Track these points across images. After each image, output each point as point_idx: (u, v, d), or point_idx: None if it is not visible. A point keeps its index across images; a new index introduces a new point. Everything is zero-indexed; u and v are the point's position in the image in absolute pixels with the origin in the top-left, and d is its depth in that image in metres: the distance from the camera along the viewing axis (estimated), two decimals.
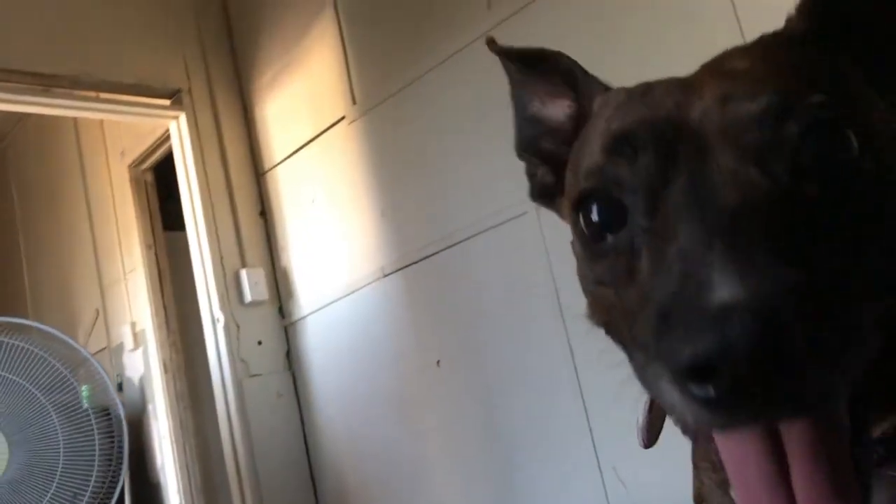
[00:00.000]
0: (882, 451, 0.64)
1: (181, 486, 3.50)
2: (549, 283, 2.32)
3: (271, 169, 3.29)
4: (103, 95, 3.17)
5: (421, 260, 2.70)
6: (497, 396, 2.48)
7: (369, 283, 2.88)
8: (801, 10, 0.65)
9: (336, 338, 3.04)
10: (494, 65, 2.58)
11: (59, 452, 3.12)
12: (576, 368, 2.26)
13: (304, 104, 3.13)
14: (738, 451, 0.53)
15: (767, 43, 0.66)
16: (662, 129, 0.59)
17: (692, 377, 0.46)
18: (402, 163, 2.78)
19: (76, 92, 3.11)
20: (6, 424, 1.76)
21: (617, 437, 2.19)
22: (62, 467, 3.09)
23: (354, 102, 2.92)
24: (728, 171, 0.54)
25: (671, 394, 0.49)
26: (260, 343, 3.15)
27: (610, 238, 0.62)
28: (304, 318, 3.16)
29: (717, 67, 0.63)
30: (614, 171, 0.61)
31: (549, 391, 2.33)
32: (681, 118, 0.59)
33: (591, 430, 2.23)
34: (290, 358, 3.22)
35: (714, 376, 0.45)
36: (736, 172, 0.54)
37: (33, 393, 2.93)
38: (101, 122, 3.88)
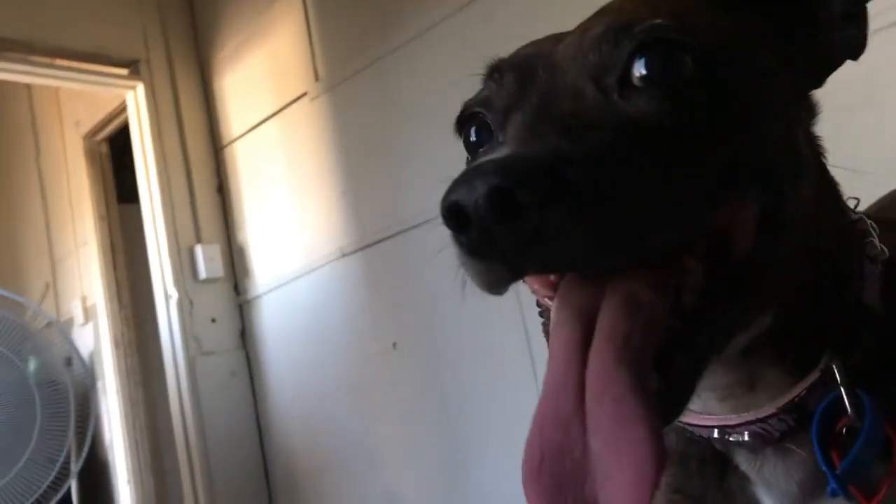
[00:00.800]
0: (791, 422, 0.65)
1: (130, 464, 3.44)
2: None
3: (230, 143, 3.23)
4: (59, 62, 3.08)
5: (380, 241, 2.67)
6: (453, 378, 2.47)
7: (327, 263, 2.84)
8: None
9: (292, 317, 3.00)
10: (461, 47, 2.57)
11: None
12: (530, 349, 2.25)
13: (266, 79, 3.07)
14: (557, 338, 0.57)
15: None
16: (526, 57, 0.67)
17: (450, 224, 0.55)
18: (364, 142, 2.75)
19: (30, 57, 3.01)
20: None
21: None
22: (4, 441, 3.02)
23: (317, 79, 2.87)
24: (567, 86, 0.61)
25: (456, 253, 0.57)
26: (214, 321, 3.10)
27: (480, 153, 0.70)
28: (259, 296, 3.12)
29: (598, 10, 0.68)
30: (485, 95, 0.71)
31: (505, 373, 2.32)
32: (548, 50, 0.66)
33: None
34: (245, 336, 3.18)
35: (468, 225, 0.52)
36: (573, 86, 0.60)
37: None
38: (57, 90, 3.77)
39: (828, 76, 0.69)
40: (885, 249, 0.68)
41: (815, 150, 0.70)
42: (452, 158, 2.55)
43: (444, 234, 2.15)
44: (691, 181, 0.56)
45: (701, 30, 0.61)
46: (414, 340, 2.57)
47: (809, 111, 0.70)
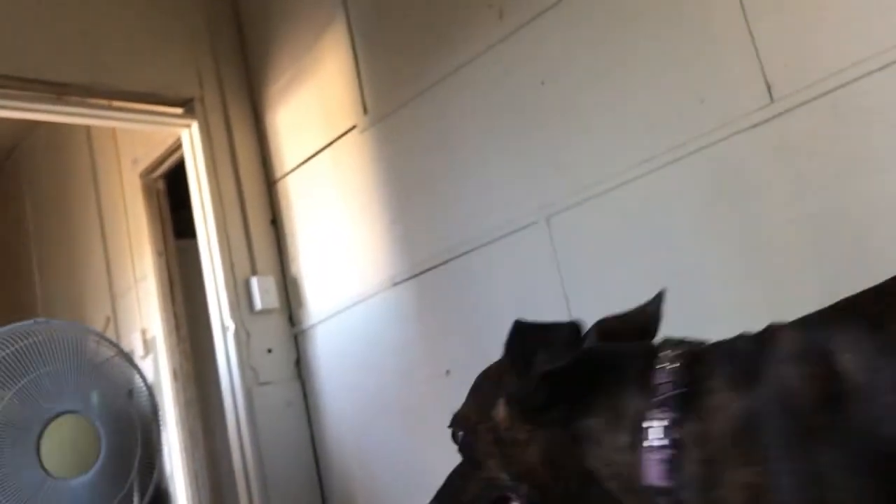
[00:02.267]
0: None
1: (190, 494, 3.50)
2: (558, 293, 2.31)
3: (282, 177, 3.30)
4: (116, 104, 3.19)
5: (431, 269, 2.70)
6: None
7: (379, 293, 2.88)
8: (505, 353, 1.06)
9: (346, 346, 3.04)
10: (505, 76, 2.61)
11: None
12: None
13: (316, 113, 3.14)
14: None
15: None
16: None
17: None
18: (413, 172, 2.79)
19: (88, 100, 3.12)
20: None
21: None
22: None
23: (366, 112, 2.93)
24: None
25: None
26: (270, 351, 3.16)
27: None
28: (313, 326, 3.17)
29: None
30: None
31: None
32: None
33: None
34: (300, 366, 3.22)
35: None
36: None
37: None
38: (114, 130, 3.90)
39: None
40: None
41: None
42: (499, 186, 2.59)
43: (493, 261, 2.21)
44: None
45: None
46: (467, 367, 2.57)
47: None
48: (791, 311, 0.93)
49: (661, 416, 0.86)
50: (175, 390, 3.59)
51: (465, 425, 1.05)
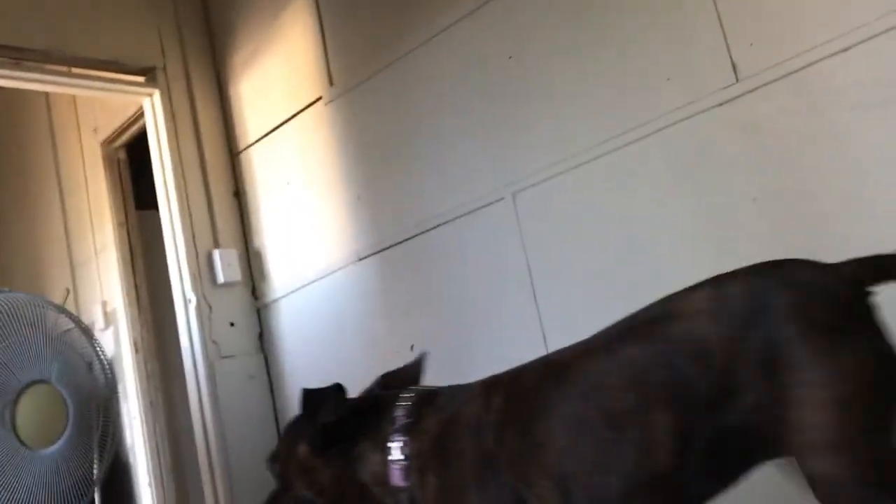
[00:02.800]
0: None
1: (151, 467, 3.47)
2: (523, 269, 2.32)
3: (246, 149, 3.26)
4: (76, 70, 3.11)
5: (396, 244, 2.69)
6: (469, 380, 2.48)
7: (343, 267, 2.86)
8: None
9: (309, 321, 3.02)
10: (473, 50, 2.59)
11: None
12: (546, 350, 2.26)
13: (280, 84, 3.09)
14: None
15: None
16: None
17: None
18: (379, 146, 2.76)
19: (48, 66, 3.04)
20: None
21: None
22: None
23: (332, 83, 2.89)
24: None
25: None
26: (232, 324, 3.13)
27: None
28: (277, 300, 3.14)
29: None
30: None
31: (519, 359, 2.33)
32: None
33: None
34: (263, 340, 3.20)
35: None
36: None
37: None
38: (74, 97, 3.81)
39: None
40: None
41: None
42: (465, 161, 2.59)
43: (458, 237, 2.21)
44: None
45: None
46: (431, 341, 2.57)
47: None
48: None
49: (398, 438, 1.28)
50: (136, 362, 3.55)
51: (278, 460, 1.45)
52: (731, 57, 1.92)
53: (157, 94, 3.19)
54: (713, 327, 1.05)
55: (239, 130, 3.28)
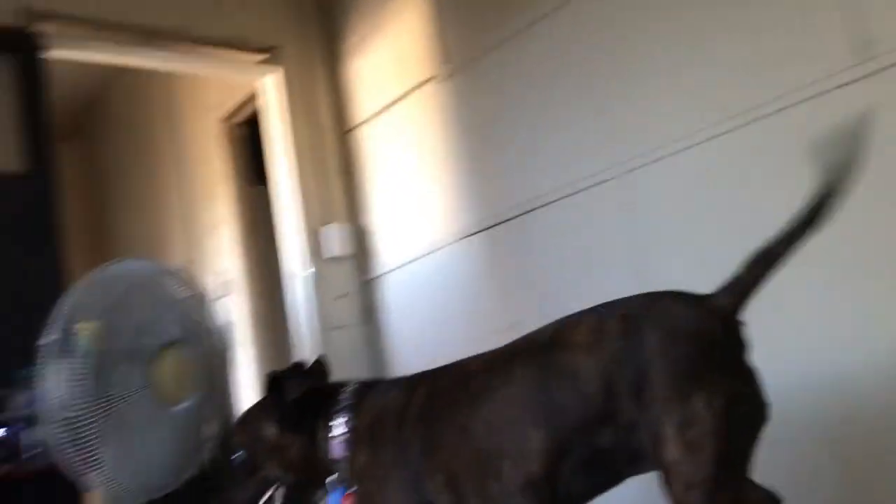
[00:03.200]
0: None
1: None
2: (632, 251, 2.30)
3: (357, 126, 3.34)
4: (200, 49, 3.26)
5: (503, 223, 2.71)
6: None
7: (451, 244, 2.90)
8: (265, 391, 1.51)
9: (414, 296, 3.08)
10: (588, 27, 2.56)
11: None
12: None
13: (394, 63, 3.15)
14: None
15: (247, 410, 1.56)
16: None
17: None
18: (490, 124, 2.78)
19: (174, 45, 3.19)
20: None
21: None
22: None
23: (445, 62, 2.92)
24: None
25: None
26: (341, 297, 3.23)
27: None
28: (383, 274, 3.22)
29: None
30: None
31: None
32: None
33: None
34: (370, 313, 3.29)
35: None
36: None
37: None
38: (196, 76, 3.98)
39: None
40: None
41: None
42: (576, 140, 2.57)
43: (566, 217, 2.20)
44: None
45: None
46: (534, 321, 2.58)
47: None
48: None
49: (340, 417, 1.43)
50: (248, 332, 3.71)
51: (245, 446, 1.52)
52: (856, 36, 1.84)
53: (275, 72, 3.31)
54: (590, 361, 1.18)
55: (351, 108, 3.36)
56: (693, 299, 1.21)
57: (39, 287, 2.52)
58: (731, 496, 1.11)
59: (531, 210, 2.60)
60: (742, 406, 1.14)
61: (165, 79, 4.23)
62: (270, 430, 1.48)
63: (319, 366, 1.66)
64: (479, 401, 1.28)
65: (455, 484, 1.27)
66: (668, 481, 1.13)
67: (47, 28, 2.76)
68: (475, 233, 2.81)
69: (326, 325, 3.16)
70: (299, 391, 1.44)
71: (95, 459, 1.63)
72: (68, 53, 2.95)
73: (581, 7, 2.44)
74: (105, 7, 2.92)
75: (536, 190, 2.59)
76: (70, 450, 1.62)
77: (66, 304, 1.66)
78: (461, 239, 2.86)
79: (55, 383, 1.63)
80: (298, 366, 1.55)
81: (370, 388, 1.50)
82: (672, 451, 1.11)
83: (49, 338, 1.64)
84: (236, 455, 1.54)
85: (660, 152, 2.23)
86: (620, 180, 2.32)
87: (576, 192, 2.46)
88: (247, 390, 3.68)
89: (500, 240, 2.73)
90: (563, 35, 2.50)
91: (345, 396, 1.47)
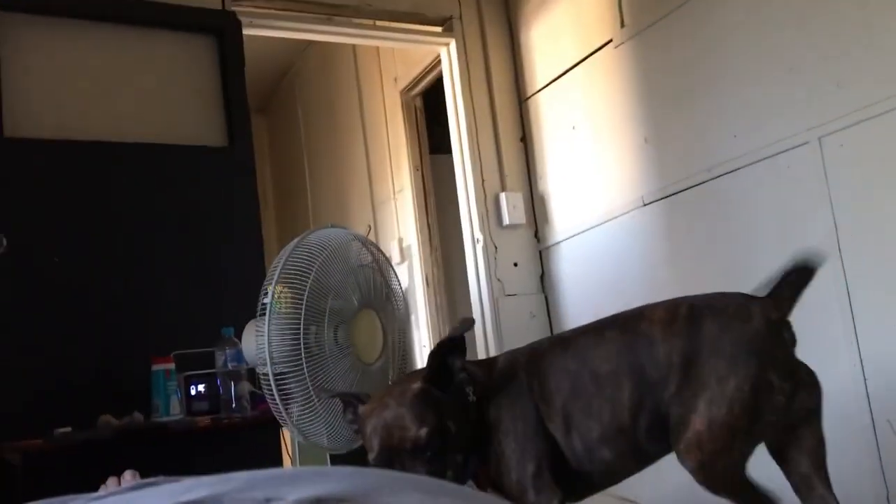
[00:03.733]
0: None
1: None
2: (828, 221, 2.15)
3: (534, 94, 3.33)
4: (380, 23, 3.36)
5: (684, 190, 2.62)
6: None
7: (627, 212, 2.85)
8: (426, 377, 1.36)
9: (590, 264, 3.06)
10: None
11: None
12: (852, 312, 2.10)
13: (570, 29, 3.11)
14: None
15: (413, 392, 1.35)
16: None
17: None
18: (670, 88, 2.69)
19: (355, 20, 3.32)
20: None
21: (893, 388, 2.02)
22: None
23: (623, 25, 2.85)
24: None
25: None
26: (516, 265, 3.26)
27: None
28: (558, 243, 3.21)
29: (388, 403, 1.36)
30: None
31: (821, 333, 2.19)
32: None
33: (864, 379, 2.08)
34: (544, 281, 3.30)
35: None
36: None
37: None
38: (378, 49, 4.12)
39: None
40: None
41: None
42: (764, 102, 2.43)
43: (753, 184, 2.10)
44: None
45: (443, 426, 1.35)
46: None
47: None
48: None
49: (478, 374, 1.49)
50: (427, 296, 3.83)
51: (436, 435, 1.35)
52: None
53: (452, 43, 3.36)
54: (662, 332, 1.38)
55: (528, 77, 3.36)
56: (750, 300, 1.39)
57: (241, 251, 2.73)
58: (728, 469, 1.31)
59: (716, 177, 2.50)
60: (772, 396, 1.30)
61: (351, 52, 4.40)
62: (447, 423, 1.35)
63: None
64: (580, 356, 1.44)
65: (568, 424, 1.41)
66: (684, 444, 1.31)
67: (242, 8, 2.95)
68: (654, 201, 2.74)
69: (502, 291, 3.20)
70: (460, 374, 1.41)
71: (295, 412, 1.76)
72: (260, 31, 3.14)
73: None
74: None
75: (720, 156, 2.48)
76: (272, 402, 1.75)
77: (275, 267, 1.79)
78: (640, 207, 2.80)
79: (258, 341, 1.77)
80: (458, 343, 1.41)
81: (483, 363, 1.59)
82: (697, 423, 1.30)
83: (260, 299, 1.78)
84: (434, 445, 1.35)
85: (859, 115, 2.07)
86: (814, 145, 2.18)
87: (765, 158, 2.33)
88: (425, 352, 3.83)
89: (681, 208, 2.65)
90: None
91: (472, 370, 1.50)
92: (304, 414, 1.75)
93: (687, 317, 1.38)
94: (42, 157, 2.49)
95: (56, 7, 2.61)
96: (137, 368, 2.31)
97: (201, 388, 2.39)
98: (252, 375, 2.26)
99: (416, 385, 1.34)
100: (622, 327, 1.44)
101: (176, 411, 2.29)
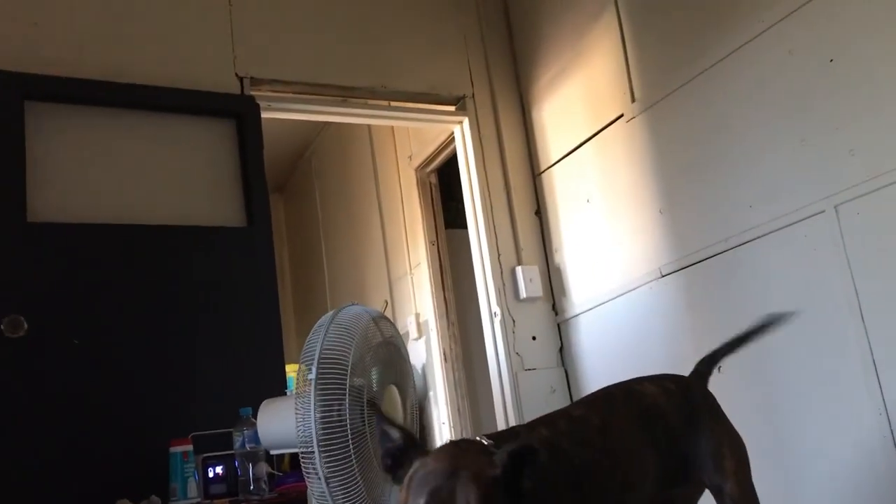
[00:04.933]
0: None
1: None
2: (847, 290, 2.14)
3: (547, 169, 3.37)
4: (394, 104, 3.44)
5: (702, 261, 2.62)
6: (785, 407, 2.34)
7: (645, 284, 2.84)
8: (503, 471, 1.16)
9: (609, 337, 3.04)
10: (788, 55, 2.45)
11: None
12: (879, 383, 2.06)
13: (582, 104, 3.16)
14: None
15: (485, 479, 1.14)
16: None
17: None
18: (683, 159, 2.72)
19: (371, 101, 3.39)
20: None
21: None
22: None
23: (633, 100, 2.90)
24: None
25: None
26: (534, 338, 3.24)
27: None
28: (576, 315, 3.20)
29: (458, 474, 1.15)
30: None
31: (846, 401, 2.15)
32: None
33: (894, 441, 2.03)
34: (563, 354, 3.28)
35: None
36: None
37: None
38: (392, 128, 4.20)
39: None
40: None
41: None
42: (778, 172, 2.44)
43: (771, 254, 2.08)
44: None
45: None
46: (741, 365, 2.47)
47: None
48: None
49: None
50: (444, 371, 3.80)
51: None
52: None
53: (465, 120, 3.43)
54: (668, 404, 1.60)
55: (541, 151, 3.41)
56: (697, 375, 1.79)
57: (259, 330, 2.74)
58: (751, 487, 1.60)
59: (733, 247, 2.50)
60: None
61: (366, 131, 4.49)
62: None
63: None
64: (605, 433, 1.50)
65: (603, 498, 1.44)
66: (719, 474, 1.56)
67: (260, 93, 3.03)
68: (672, 272, 2.73)
69: (521, 365, 3.18)
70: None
71: (324, 490, 1.73)
72: (278, 114, 3.21)
73: (776, 37, 2.34)
74: (308, 71, 3.16)
75: (737, 226, 2.48)
76: (317, 482, 1.72)
77: (311, 347, 1.78)
78: (658, 278, 2.79)
79: (283, 420, 1.75)
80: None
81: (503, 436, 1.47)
82: (724, 460, 1.57)
83: (305, 376, 1.77)
84: None
85: (874, 182, 2.08)
86: (830, 214, 2.18)
87: (781, 228, 2.33)
88: (444, 428, 3.77)
89: (699, 278, 2.64)
90: (758, 66, 2.41)
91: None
92: (345, 495, 1.73)
93: (681, 387, 1.68)
94: (63, 241, 2.53)
95: (79, 96, 2.69)
96: (155, 450, 2.29)
97: (219, 469, 2.37)
98: (269, 457, 2.24)
99: (494, 472, 1.16)
100: (629, 404, 1.59)
101: (193, 494, 2.26)
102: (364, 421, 1.76)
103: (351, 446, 1.71)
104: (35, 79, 2.59)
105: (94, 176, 2.67)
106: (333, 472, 1.71)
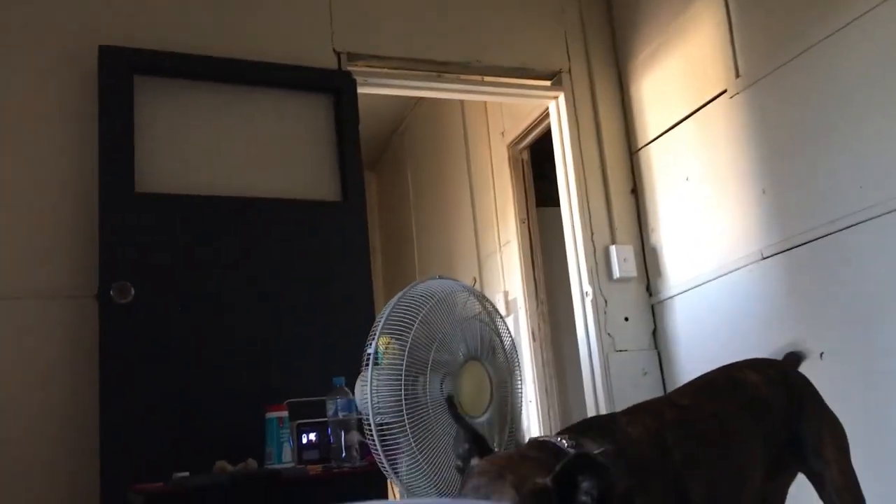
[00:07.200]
0: None
1: None
2: None
3: (644, 146, 3.29)
4: (488, 79, 3.41)
5: (806, 243, 2.51)
6: (892, 396, 2.23)
7: (745, 266, 2.75)
8: (553, 481, 1.09)
9: (706, 320, 2.96)
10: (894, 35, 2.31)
11: None
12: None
13: (682, 80, 3.07)
14: None
15: (533, 488, 1.09)
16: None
17: None
18: (788, 138, 2.60)
19: (464, 76, 3.38)
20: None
21: None
22: None
23: (738, 75, 2.79)
24: None
25: None
26: (626, 319, 3.19)
27: None
28: (672, 297, 3.13)
29: (505, 477, 1.12)
30: None
31: None
32: None
33: None
34: (656, 336, 3.21)
35: None
36: None
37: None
38: (485, 104, 4.18)
39: None
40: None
41: None
42: (890, 153, 2.33)
43: (879, 237, 1.99)
44: None
45: None
46: (844, 351, 2.37)
47: None
48: None
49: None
50: (532, 350, 3.79)
51: None
52: None
53: (561, 96, 3.37)
54: (771, 393, 1.57)
55: (638, 128, 3.33)
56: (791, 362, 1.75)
57: (352, 302, 2.78)
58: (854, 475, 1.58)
59: (840, 230, 2.39)
60: None
61: (458, 107, 4.48)
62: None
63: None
64: (716, 424, 1.47)
65: (714, 493, 1.41)
66: (823, 462, 1.54)
67: (357, 68, 3.06)
68: (774, 254, 2.63)
69: (612, 346, 3.13)
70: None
71: (400, 462, 1.75)
72: (374, 90, 3.24)
73: (891, 10, 2.21)
74: (404, 46, 3.17)
75: (844, 208, 2.37)
76: (379, 452, 1.75)
77: (380, 318, 1.81)
78: (758, 260, 2.69)
79: (366, 391, 1.78)
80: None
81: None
82: (825, 450, 1.55)
83: (365, 350, 1.80)
84: None
85: None
86: None
87: (891, 211, 2.21)
88: (531, 407, 3.77)
89: (802, 261, 2.53)
90: (867, 43, 2.28)
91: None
92: (410, 467, 1.75)
93: (780, 374, 1.63)
94: (168, 211, 2.63)
95: (185, 70, 2.78)
96: (252, 416, 2.37)
97: (312, 436, 2.42)
98: (361, 425, 2.28)
99: (542, 481, 1.11)
100: (732, 394, 1.55)
101: (288, 459, 2.32)
102: (433, 394, 1.77)
103: (406, 420, 1.72)
104: (144, 53, 2.68)
105: (197, 149, 2.76)
106: (395, 446, 1.73)
